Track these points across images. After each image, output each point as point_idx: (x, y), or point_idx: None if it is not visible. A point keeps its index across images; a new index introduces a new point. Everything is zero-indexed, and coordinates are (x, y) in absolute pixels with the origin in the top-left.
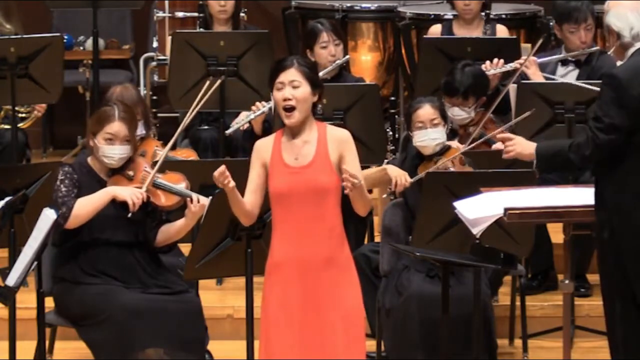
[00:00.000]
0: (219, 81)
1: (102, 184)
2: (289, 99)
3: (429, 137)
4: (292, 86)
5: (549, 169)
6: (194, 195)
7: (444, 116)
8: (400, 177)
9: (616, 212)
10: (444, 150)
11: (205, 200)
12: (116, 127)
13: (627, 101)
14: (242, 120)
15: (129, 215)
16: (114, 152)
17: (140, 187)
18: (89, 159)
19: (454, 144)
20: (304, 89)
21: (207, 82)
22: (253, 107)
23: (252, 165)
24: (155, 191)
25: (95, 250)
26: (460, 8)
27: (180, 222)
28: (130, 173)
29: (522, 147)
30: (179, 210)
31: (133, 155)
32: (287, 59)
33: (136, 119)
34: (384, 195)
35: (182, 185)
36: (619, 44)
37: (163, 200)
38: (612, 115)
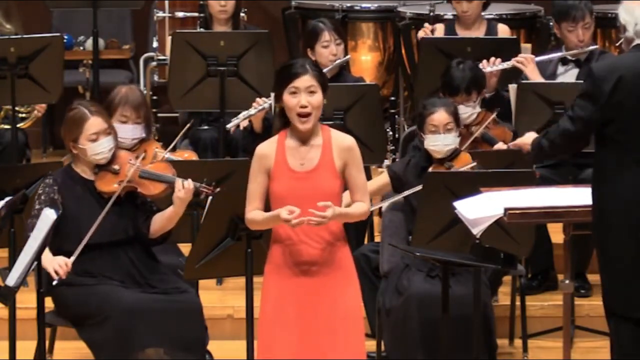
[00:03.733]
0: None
1: (88, 186)
2: (306, 106)
3: (441, 142)
4: (309, 92)
5: (540, 159)
6: (179, 181)
7: (457, 121)
8: None
9: (597, 211)
10: (455, 154)
11: (191, 184)
12: (94, 123)
13: (598, 96)
14: (242, 116)
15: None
16: (102, 147)
17: (123, 181)
18: (73, 164)
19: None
20: (319, 95)
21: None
22: (254, 103)
23: (255, 173)
24: (142, 181)
25: (87, 253)
26: (459, 13)
27: (169, 210)
28: (116, 167)
29: (523, 140)
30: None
31: (116, 150)
32: (299, 64)
33: (103, 109)
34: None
35: (168, 174)
36: (624, 38)
37: (151, 189)
38: (581, 107)
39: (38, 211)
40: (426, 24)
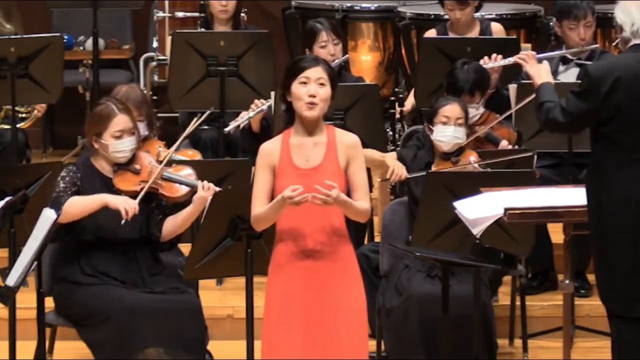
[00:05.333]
0: (206, 114)
1: (107, 182)
2: (314, 96)
3: (451, 134)
4: (319, 83)
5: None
6: (202, 183)
7: (467, 119)
8: (398, 167)
9: (596, 212)
10: (459, 152)
11: (216, 188)
12: (121, 120)
13: (594, 96)
14: (241, 118)
15: (122, 222)
16: (124, 146)
17: (147, 181)
18: (92, 159)
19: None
20: (327, 89)
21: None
22: (252, 105)
23: (260, 170)
24: (165, 184)
25: (97, 249)
26: (452, 19)
27: (187, 210)
28: (137, 167)
29: (538, 72)
30: (187, 205)
31: (137, 151)
32: (311, 57)
33: (131, 110)
34: (379, 179)
35: (191, 177)
36: (621, 38)
37: (172, 191)
38: (574, 104)
39: (63, 188)
40: (397, 105)
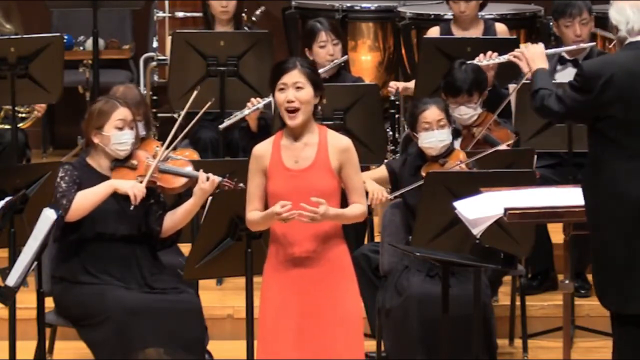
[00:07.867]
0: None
1: (104, 181)
2: (293, 101)
3: (436, 138)
4: (296, 88)
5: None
6: (202, 174)
7: (449, 117)
8: (377, 191)
9: (592, 208)
10: (449, 152)
11: (216, 178)
12: (123, 111)
13: (588, 93)
14: (236, 116)
15: (131, 208)
16: (126, 138)
17: (145, 175)
18: (88, 159)
19: (456, 144)
20: (307, 91)
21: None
22: (248, 104)
23: (252, 173)
24: (163, 176)
25: (97, 246)
26: (456, 13)
27: (188, 203)
28: (134, 162)
29: (532, 56)
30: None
31: (134, 149)
32: (289, 61)
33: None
34: None
35: (188, 168)
36: (617, 38)
37: (172, 183)
38: (569, 96)
39: (66, 187)
40: (391, 83)
